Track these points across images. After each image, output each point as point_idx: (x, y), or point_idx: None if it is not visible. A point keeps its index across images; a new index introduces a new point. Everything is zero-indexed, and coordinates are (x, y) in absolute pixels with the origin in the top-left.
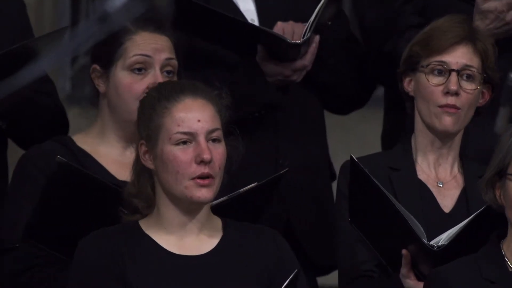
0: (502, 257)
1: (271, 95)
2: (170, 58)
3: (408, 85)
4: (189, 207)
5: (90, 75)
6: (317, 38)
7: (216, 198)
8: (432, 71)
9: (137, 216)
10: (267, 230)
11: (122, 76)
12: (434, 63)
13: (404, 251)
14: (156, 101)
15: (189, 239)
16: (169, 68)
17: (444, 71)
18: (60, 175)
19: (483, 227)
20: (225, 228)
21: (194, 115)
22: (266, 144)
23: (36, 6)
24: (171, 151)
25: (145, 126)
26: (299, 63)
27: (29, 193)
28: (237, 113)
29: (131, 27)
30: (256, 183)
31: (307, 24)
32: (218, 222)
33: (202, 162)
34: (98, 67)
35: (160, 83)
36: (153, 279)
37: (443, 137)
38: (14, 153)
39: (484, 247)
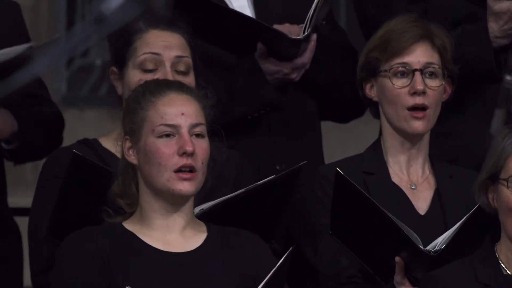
0: (496, 260)
1: (271, 95)
2: (181, 56)
3: (370, 91)
4: (172, 201)
5: (110, 78)
6: (315, 36)
7: (205, 200)
8: (395, 74)
9: (119, 218)
10: (249, 234)
11: (133, 75)
12: (396, 65)
13: (397, 259)
14: (141, 95)
15: (173, 236)
16: (181, 68)
17: (407, 72)
18: (76, 169)
19: (477, 228)
20: (209, 230)
21: (178, 109)
22: (262, 149)
23: (32, 8)
24: (154, 143)
25: (130, 120)
26: (299, 61)
27: (54, 192)
28: (236, 113)
29: (141, 26)
30: (274, 176)
31: (306, 20)
32: (202, 224)
33: (184, 154)
34: (115, 69)
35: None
36: (137, 275)
37: (412, 137)
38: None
39: (478, 250)
